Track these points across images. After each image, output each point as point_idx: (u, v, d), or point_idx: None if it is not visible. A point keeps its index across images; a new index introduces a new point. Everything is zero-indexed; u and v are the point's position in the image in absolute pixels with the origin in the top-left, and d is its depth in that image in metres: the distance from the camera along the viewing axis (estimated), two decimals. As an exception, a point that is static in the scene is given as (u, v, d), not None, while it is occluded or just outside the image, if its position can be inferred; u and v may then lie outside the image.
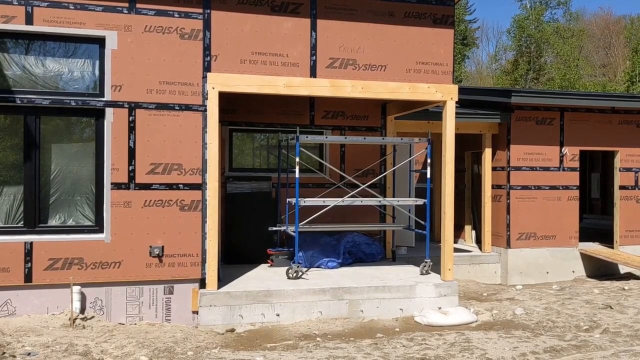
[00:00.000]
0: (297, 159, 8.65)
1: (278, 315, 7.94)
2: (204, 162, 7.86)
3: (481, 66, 52.52)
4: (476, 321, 8.17)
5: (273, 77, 8.00)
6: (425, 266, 9.11)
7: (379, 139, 9.16)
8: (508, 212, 11.60)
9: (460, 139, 13.41)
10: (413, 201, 9.46)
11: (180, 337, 7.00)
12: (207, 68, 7.87)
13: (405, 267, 9.71)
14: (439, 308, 8.44)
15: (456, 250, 12.42)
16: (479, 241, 12.91)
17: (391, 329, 7.73)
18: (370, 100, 10.66)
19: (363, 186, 9.27)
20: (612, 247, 12.30)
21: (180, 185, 7.83)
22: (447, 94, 8.65)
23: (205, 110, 7.83)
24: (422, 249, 12.47)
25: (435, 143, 14.34)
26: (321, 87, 8.20)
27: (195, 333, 7.29)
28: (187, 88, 7.80)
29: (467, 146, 13.05)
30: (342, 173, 10.14)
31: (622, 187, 12.31)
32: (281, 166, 10.23)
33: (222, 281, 8.35)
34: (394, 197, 10.81)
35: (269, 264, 9.73)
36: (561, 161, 11.89)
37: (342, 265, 9.78)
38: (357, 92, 8.31)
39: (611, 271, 12.04)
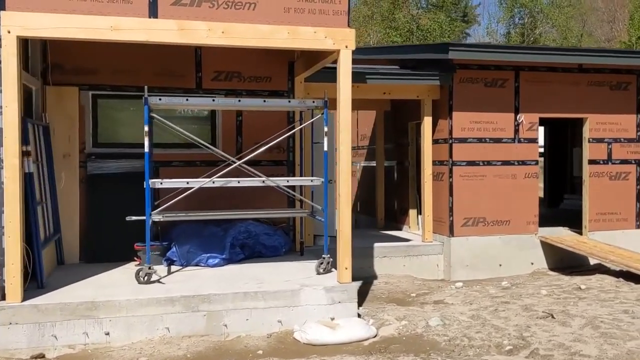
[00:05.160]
0: (146, 128, 6.65)
1: (107, 334, 6.01)
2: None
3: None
4: (374, 336, 6.23)
5: (94, 17, 5.97)
6: (322, 264, 7.16)
7: (259, 101, 7.15)
8: (451, 194, 9.58)
9: (401, 107, 11.43)
10: (308, 181, 7.46)
11: (-60, 372, 5.09)
12: (0, 5, 5.86)
13: (308, 264, 7.74)
14: (332, 319, 6.50)
15: (392, 238, 10.48)
16: (425, 228, 10.91)
17: (253, 352, 5.80)
18: (270, 56, 8.65)
19: (243, 162, 7.24)
20: (582, 233, 10.30)
21: (-34, 164, 5.87)
22: (340, 41, 6.61)
23: (-1, 62, 5.84)
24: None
25: (378, 112, 12.37)
26: (164, 30, 6.17)
27: (-24, 363, 5.38)
28: (-29, 32, 5.81)
29: (411, 116, 11.01)
30: (219, 151, 8.11)
31: (591, 162, 10.26)
32: (155, 140, 8.24)
33: (47, 288, 6.44)
34: (312, 175, 8.87)
35: (138, 262, 7.79)
36: (516, 131, 9.83)
37: (229, 262, 7.84)
38: (216, 37, 6.29)
39: (579, 262, 10.01)
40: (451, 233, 9.57)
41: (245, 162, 8.57)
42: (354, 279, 9.00)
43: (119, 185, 8.15)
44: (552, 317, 6.32)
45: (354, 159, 14.40)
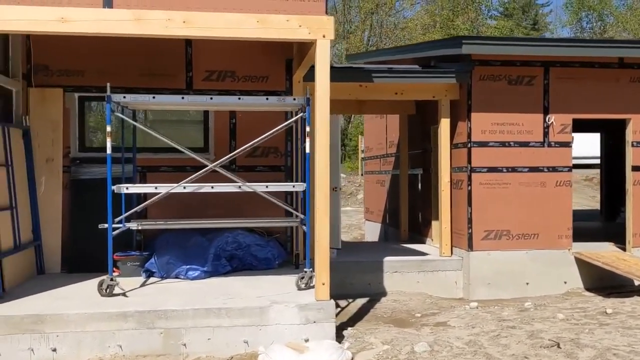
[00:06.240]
0: (108, 128, 6.17)
1: (54, 350, 5.53)
2: (-57, 131, 5.56)
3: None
4: (348, 363, 5.46)
5: (42, 8, 5.56)
6: (303, 278, 6.45)
7: (234, 99, 6.52)
8: (469, 203, 8.64)
9: (426, 109, 10.58)
10: (290, 186, 6.77)
11: None
12: (-57, -2, 5.55)
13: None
14: (306, 340, 5.78)
15: (408, 252, 9.62)
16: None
17: (204, 376, 5.17)
18: (267, 54, 8.14)
19: (217, 165, 6.64)
20: (626, 249, 9.10)
21: None
22: (316, 30, 5.93)
23: (-57, 57, 5.53)
24: (358, 251, 9.84)
25: (401, 116, 11.56)
26: (120, 21, 5.69)
27: None
28: None
29: (433, 119, 10.12)
30: (193, 154, 7.55)
31: (636, 169, 9.06)
32: (143, 145, 7.83)
33: (6, 298, 6.06)
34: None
35: (117, 273, 7.33)
36: (546, 134, 8.79)
37: (212, 274, 7.26)
38: (177, 28, 5.75)
39: (622, 282, 8.78)
40: (470, 247, 8.62)
41: (245, 168, 8.09)
42: (359, 296, 8.32)
43: (105, 192, 7.72)
44: (558, 346, 5.34)
45: (384, 168, 13.60)
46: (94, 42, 7.51)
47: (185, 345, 5.67)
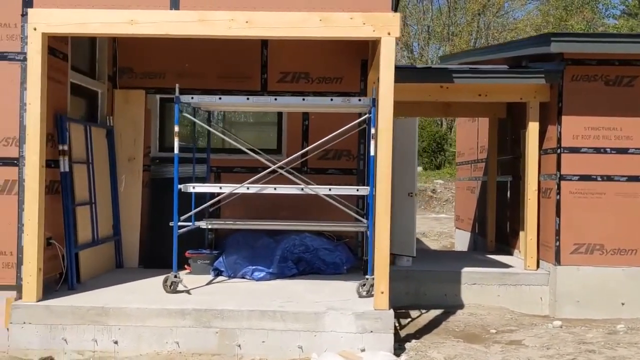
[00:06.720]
0: (176, 128, 6.30)
1: (116, 342, 5.70)
2: (23, 128, 5.89)
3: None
4: (402, 378, 5.18)
5: (114, 11, 5.76)
6: (364, 285, 6.23)
7: (298, 100, 6.39)
8: (557, 214, 8.00)
9: (517, 112, 9.98)
10: (353, 190, 6.56)
11: None
12: (28, 2, 5.88)
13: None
14: (362, 350, 5.56)
15: (491, 263, 9.08)
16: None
17: (252, 380, 5.10)
18: (341, 54, 8.04)
19: (286, 166, 6.58)
20: None
21: (-10, 160, 5.95)
22: (381, 27, 5.71)
23: (25, 59, 5.85)
24: (437, 259, 9.43)
25: (491, 119, 10.98)
26: (184, 22, 5.77)
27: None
28: None
29: (523, 123, 9.50)
30: (257, 156, 7.50)
31: None
32: (218, 145, 7.95)
33: (79, 290, 6.36)
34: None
35: (188, 270, 7.50)
36: (648, 140, 7.97)
37: (278, 276, 7.21)
38: (239, 28, 5.74)
39: None
40: (557, 261, 7.97)
41: (317, 170, 8.03)
42: (434, 307, 7.96)
43: (180, 190, 7.92)
44: (639, 378, 4.75)
45: (474, 174, 13.01)
46: (174, 45, 7.78)
47: (239, 346, 5.64)
